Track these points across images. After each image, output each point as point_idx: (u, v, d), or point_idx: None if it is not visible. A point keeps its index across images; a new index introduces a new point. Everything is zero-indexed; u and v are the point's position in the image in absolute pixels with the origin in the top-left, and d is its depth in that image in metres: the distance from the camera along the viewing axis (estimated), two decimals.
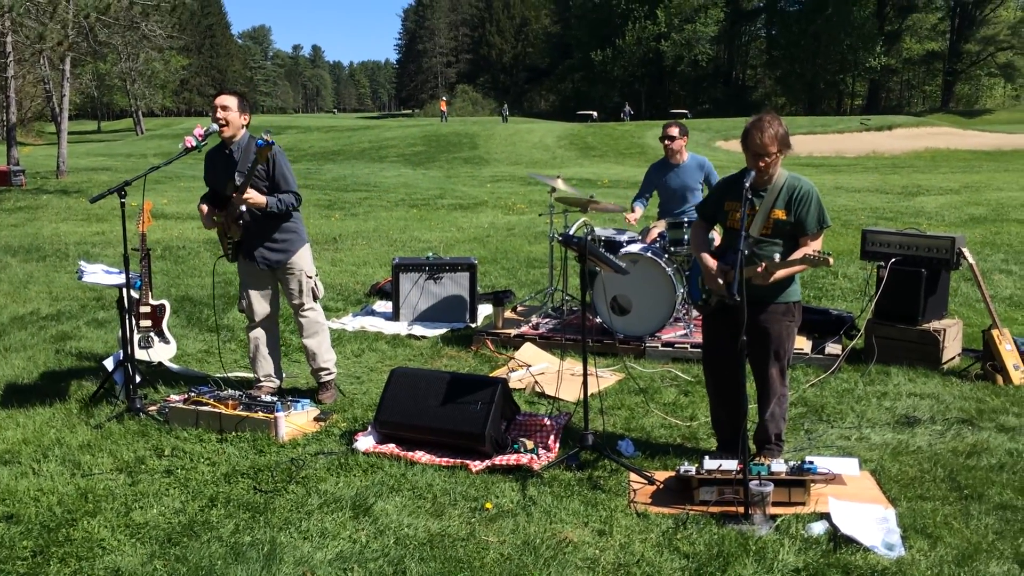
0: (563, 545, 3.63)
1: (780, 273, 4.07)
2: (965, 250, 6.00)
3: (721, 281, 4.21)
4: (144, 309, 5.95)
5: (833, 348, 6.23)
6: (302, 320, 5.50)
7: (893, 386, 5.69)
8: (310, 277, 5.44)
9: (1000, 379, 5.65)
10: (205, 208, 5.35)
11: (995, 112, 66.76)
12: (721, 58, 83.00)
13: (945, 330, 5.98)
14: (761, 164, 4.11)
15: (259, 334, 5.51)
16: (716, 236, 4.88)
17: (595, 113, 62.20)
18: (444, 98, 76.72)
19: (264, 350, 5.53)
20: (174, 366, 6.21)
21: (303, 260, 5.42)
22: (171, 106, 77.77)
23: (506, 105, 69.20)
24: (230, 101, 5.14)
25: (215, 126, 5.11)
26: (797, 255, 4.08)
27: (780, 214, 4.19)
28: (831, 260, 3.89)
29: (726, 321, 4.23)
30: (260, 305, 5.46)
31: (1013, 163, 29.20)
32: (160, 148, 41.79)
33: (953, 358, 6.14)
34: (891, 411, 5.25)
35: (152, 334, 6.08)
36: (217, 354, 6.58)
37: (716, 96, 78.41)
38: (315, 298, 5.51)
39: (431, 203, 18.33)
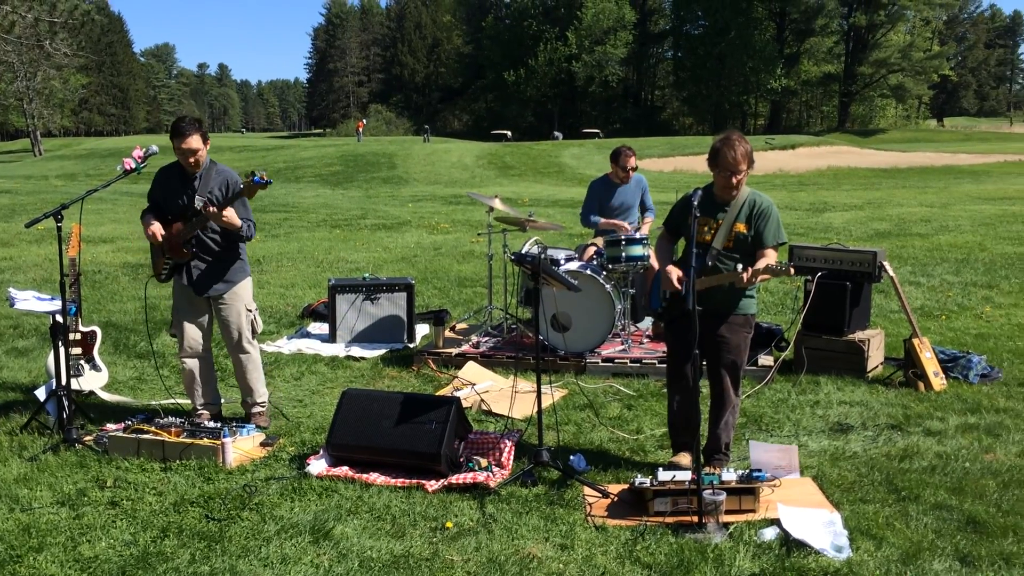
0: (527, 561, 3.67)
1: (758, 278, 4.18)
2: (886, 263, 6.32)
3: (679, 285, 4.31)
4: (74, 336, 5.74)
5: (765, 360, 6.46)
6: (238, 357, 5.35)
7: (824, 395, 5.93)
8: (250, 311, 5.31)
9: (922, 386, 5.95)
10: (154, 224, 5.07)
11: (888, 131, 70.08)
12: (631, 79, 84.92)
13: (869, 340, 6.28)
14: (734, 181, 4.28)
15: (193, 363, 5.33)
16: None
17: (509, 133, 62.75)
18: (362, 119, 76.20)
19: (200, 378, 5.37)
20: (106, 395, 6.00)
21: (244, 292, 5.30)
22: (70, 126, 75.17)
23: (428, 127, 68.96)
24: (196, 142, 4.98)
25: (155, 148, 5.01)
26: (761, 264, 4.20)
27: (741, 228, 4.36)
28: (792, 271, 4.09)
29: (688, 329, 4.36)
30: (194, 333, 5.28)
31: (909, 180, 30.71)
32: (62, 169, 40.15)
33: (877, 367, 6.44)
34: (824, 419, 5.47)
35: (82, 362, 5.89)
36: (153, 380, 6.39)
37: (626, 116, 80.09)
38: (253, 333, 5.35)
39: (353, 223, 18.17)
